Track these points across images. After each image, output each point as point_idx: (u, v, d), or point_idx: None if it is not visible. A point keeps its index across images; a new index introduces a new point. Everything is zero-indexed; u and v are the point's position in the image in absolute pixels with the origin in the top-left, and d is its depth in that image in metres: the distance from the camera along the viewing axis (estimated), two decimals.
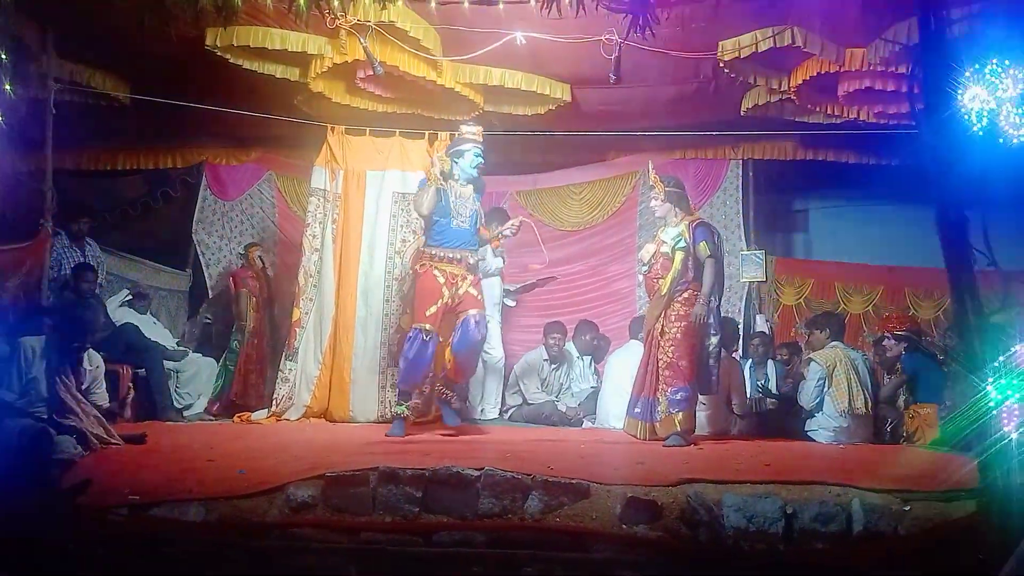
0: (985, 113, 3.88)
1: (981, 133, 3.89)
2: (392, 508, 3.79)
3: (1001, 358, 3.78)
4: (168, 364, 6.82)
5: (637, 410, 5.55)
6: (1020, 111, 3.88)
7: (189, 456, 4.47)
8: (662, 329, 5.52)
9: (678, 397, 5.41)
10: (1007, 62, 3.89)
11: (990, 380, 3.75)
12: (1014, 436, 3.61)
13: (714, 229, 5.89)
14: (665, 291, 5.53)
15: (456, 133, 6.01)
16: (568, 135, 7.13)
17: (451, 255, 5.61)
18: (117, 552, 3.50)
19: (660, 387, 5.46)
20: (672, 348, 5.47)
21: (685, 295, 5.54)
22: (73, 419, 4.43)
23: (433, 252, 5.63)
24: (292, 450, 4.60)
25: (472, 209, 5.71)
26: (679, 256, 5.54)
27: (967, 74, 3.92)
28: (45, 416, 4.40)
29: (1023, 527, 3.31)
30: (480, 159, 5.74)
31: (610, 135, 7.25)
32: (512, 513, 3.80)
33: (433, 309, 5.52)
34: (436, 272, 5.58)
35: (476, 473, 3.87)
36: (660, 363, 5.49)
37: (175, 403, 6.81)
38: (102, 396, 5.34)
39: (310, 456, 4.35)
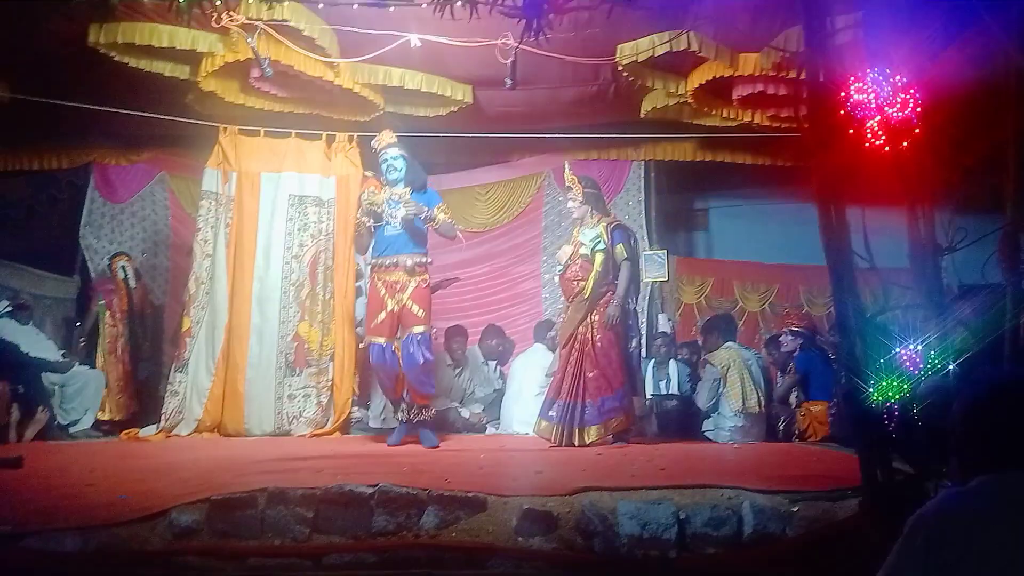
0: (867, 119, 3.98)
1: (863, 139, 4.00)
2: (281, 531, 3.64)
3: (882, 360, 3.91)
4: (51, 378, 6.47)
5: (552, 413, 5.53)
6: (898, 118, 4.00)
7: (68, 480, 4.22)
8: (589, 334, 5.52)
9: (613, 405, 5.47)
10: (888, 70, 4.01)
11: (871, 380, 3.87)
12: (894, 436, 3.73)
13: (631, 231, 5.96)
14: (588, 294, 5.53)
15: (353, 134, 5.91)
16: (471, 137, 7.08)
17: (387, 262, 5.55)
18: None
19: (588, 394, 5.46)
20: (600, 354, 5.49)
21: (606, 298, 5.57)
22: None
23: (374, 263, 5.65)
24: (178, 471, 4.40)
25: (406, 212, 5.55)
26: (599, 258, 5.56)
27: (850, 81, 4.02)
28: None
29: (900, 527, 3.41)
30: (389, 163, 5.63)
31: (513, 137, 7.22)
32: (407, 530, 3.70)
33: (380, 319, 5.50)
34: (379, 283, 5.57)
35: (369, 490, 3.76)
36: (586, 369, 5.48)
37: (60, 419, 6.47)
38: None
39: (197, 477, 4.16)
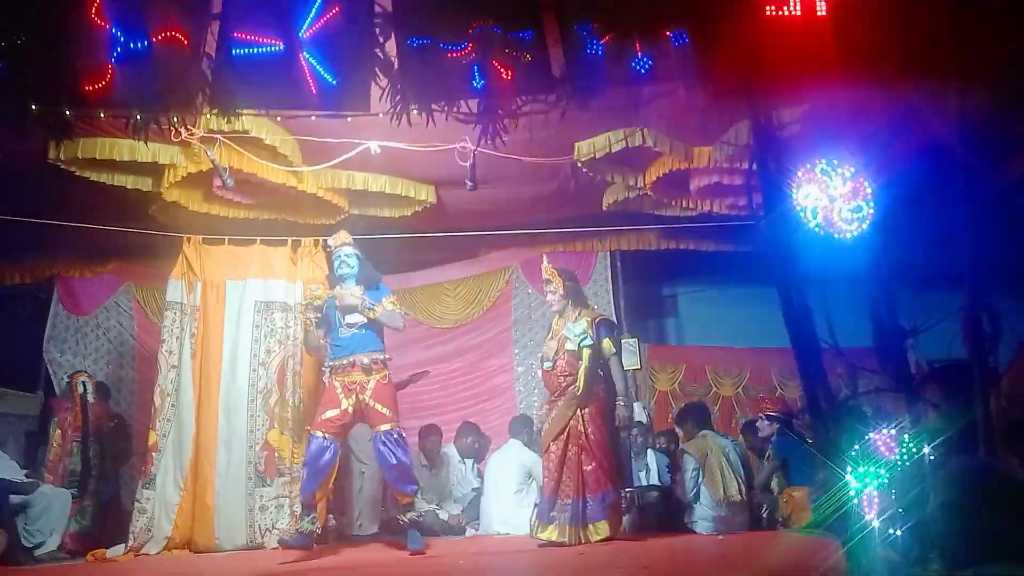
0: (820, 209, 4.08)
1: (817, 229, 4.08)
2: None
3: (856, 446, 3.89)
4: (15, 499, 6.23)
5: (555, 514, 5.38)
6: (850, 208, 4.10)
7: None
8: (581, 428, 5.46)
9: (614, 499, 5.44)
10: (835, 161, 4.14)
11: (848, 468, 3.85)
12: (876, 524, 3.69)
13: (615, 325, 5.98)
14: (581, 390, 5.49)
15: (319, 238, 5.95)
16: (437, 236, 7.14)
17: (344, 363, 5.51)
18: None
19: (588, 489, 5.39)
20: (596, 447, 5.44)
21: (596, 392, 5.55)
22: None
23: (331, 364, 5.60)
24: None
25: (359, 310, 5.55)
26: (586, 352, 5.54)
27: (800, 173, 4.13)
28: None
29: None
30: (342, 259, 5.67)
31: (478, 234, 7.30)
32: None
33: (330, 414, 5.42)
34: (336, 383, 5.52)
35: None
36: (583, 463, 5.42)
37: (25, 542, 6.20)
38: None
39: None
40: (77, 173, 6.00)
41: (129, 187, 6.28)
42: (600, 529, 5.38)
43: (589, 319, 5.70)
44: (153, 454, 6.10)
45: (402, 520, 5.48)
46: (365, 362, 5.50)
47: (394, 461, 5.40)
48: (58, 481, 6.57)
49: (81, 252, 7.79)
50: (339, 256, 5.70)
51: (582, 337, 5.59)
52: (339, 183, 6.40)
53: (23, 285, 7.86)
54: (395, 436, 5.48)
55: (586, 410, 5.52)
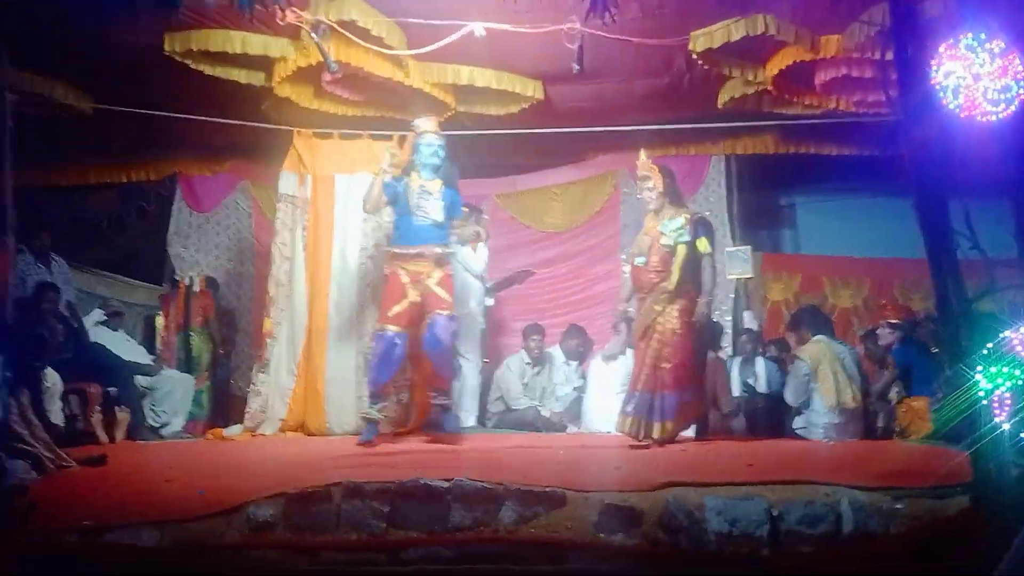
0: (962, 89, 3.71)
1: (958, 111, 3.73)
2: (357, 525, 3.58)
3: (989, 345, 3.63)
4: (142, 381, 6.63)
5: (630, 408, 5.36)
6: (998, 87, 3.72)
7: (148, 477, 4.28)
8: (669, 326, 5.36)
9: (691, 398, 5.38)
10: (983, 35, 3.74)
11: (979, 369, 3.60)
12: (1006, 426, 3.46)
13: (712, 226, 5.79)
14: (674, 286, 5.37)
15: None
16: (544, 134, 6.97)
17: (413, 251, 5.47)
18: None
19: (666, 386, 5.31)
20: (680, 347, 5.35)
21: (687, 290, 5.42)
22: (26, 442, 4.23)
23: (395, 251, 5.54)
24: (257, 467, 4.42)
25: (438, 203, 5.53)
26: (681, 249, 5.40)
27: (941, 50, 3.76)
28: None
29: (1018, 521, 3.14)
30: (435, 149, 5.59)
31: (586, 132, 7.09)
32: (484, 525, 3.60)
33: (397, 309, 5.41)
34: (400, 271, 5.47)
35: (446, 484, 3.68)
36: (663, 360, 5.33)
37: (151, 421, 6.62)
38: (56, 415, 5.15)
39: (275, 472, 4.17)
40: (192, 66, 6.10)
41: (242, 81, 6.35)
42: (667, 427, 5.28)
43: (687, 216, 5.53)
44: (268, 340, 6.34)
45: (436, 402, 5.54)
46: (437, 253, 5.48)
47: (444, 345, 5.42)
48: (171, 367, 6.94)
49: (200, 150, 8.02)
50: (429, 144, 5.58)
51: (679, 233, 5.42)
52: (445, 77, 6.29)
53: (148, 182, 8.19)
54: (450, 322, 5.48)
55: (674, 307, 5.38)
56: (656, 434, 5.26)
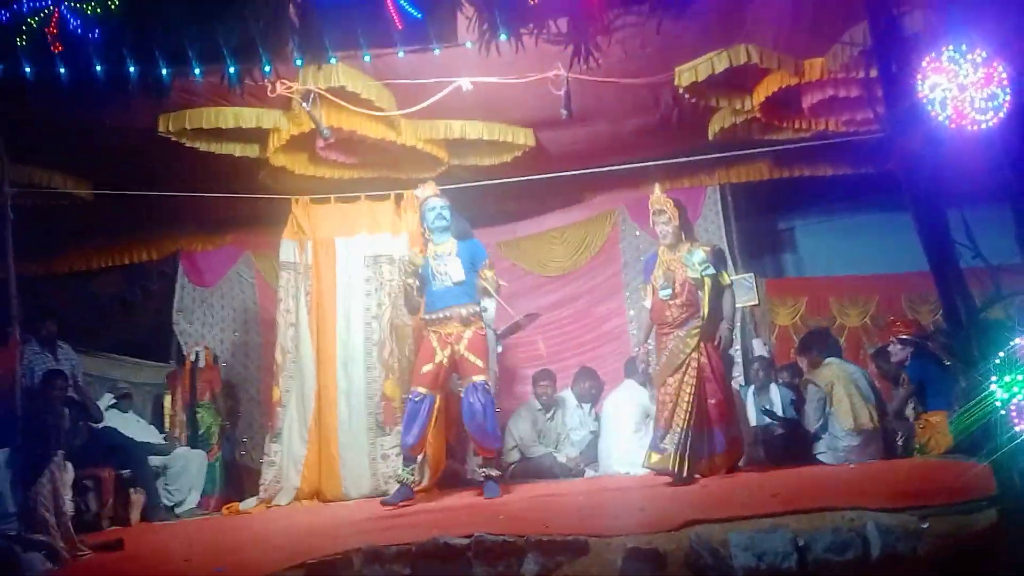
0: (949, 101, 3.73)
1: (946, 123, 3.75)
2: None
3: (1001, 354, 3.59)
4: (155, 461, 6.60)
5: (665, 444, 5.28)
6: (984, 96, 3.74)
7: (166, 558, 4.24)
8: (705, 360, 5.39)
9: (735, 433, 5.45)
10: (964, 46, 3.78)
11: (993, 378, 3.56)
12: None
13: (724, 255, 5.81)
14: (705, 320, 5.43)
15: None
16: (539, 179, 7.01)
17: (440, 316, 5.54)
18: None
19: (713, 421, 5.34)
20: (719, 380, 5.42)
21: (716, 323, 5.49)
22: (43, 534, 4.20)
23: (426, 318, 5.63)
24: (275, 539, 4.37)
25: (456, 262, 5.58)
26: (708, 282, 5.46)
27: (925, 64, 3.80)
28: (13, 532, 4.17)
29: None
30: (439, 211, 5.68)
31: (581, 175, 7.12)
32: None
33: (426, 369, 5.46)
34: (431, 335, 5.56)
35: (466, 541, 3.64)
36: (707, 395, 5.36)
37: (166, 500, 6.56)
38: (68, 504, 5.09)
39: (293, 543, 4.11)
40: (187, 144, 6.18)
41: (238, 155, 6.43)
42: (716, 462, 5.32)
43: (706, 249, 5.59)
44: (278, 409, 6.33)
45: (483, 473, 5.52)
46: (463, 314, 5.52)
47: (481, 414, 5.40)
48: (182, 444, 6.92)
49: (200, 226, 8.09)
50: (433, 208, 5.69)
51: (704, 267, 5.45)
52: (436, 133, 6.37)
53: (151, 262, 8.25)
54: (486, 388, 5.50)
55: (709, 341, 5.42)
56: (704, 470, 5.26)
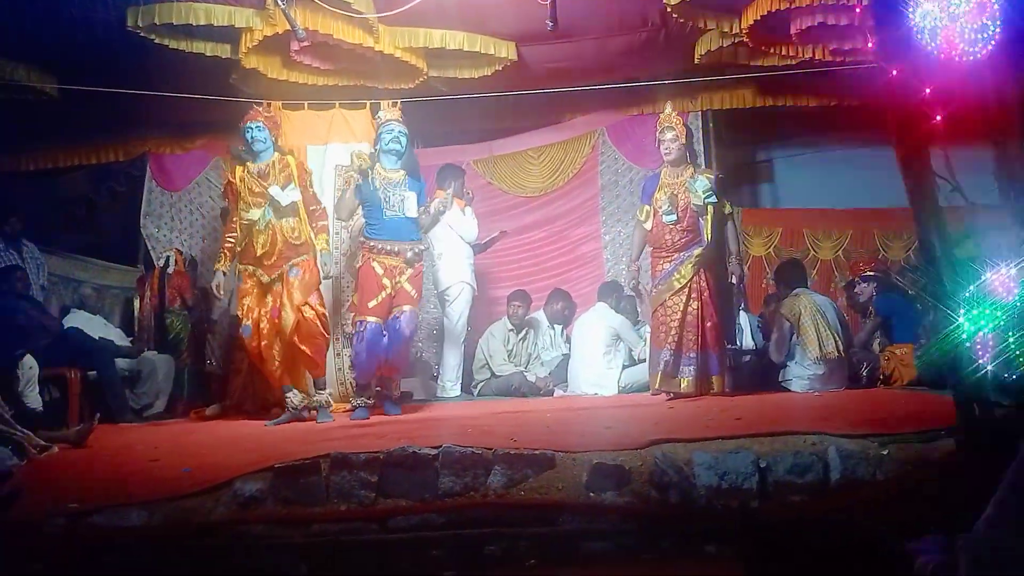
0: (939, 31, 3.67)
1: (936, 53, 3.69)
2: (346, 496, 3.58)
3: (971, 288, 3.63)
4: (122, 364, 6.56)
5: (683, 367, 5.40)
6: (974, 27, 3.67)
7: (132, 458, 4.24)
8: (704, 284, 5.46)
9: (723, 356, 5.53)
10: None
11: (961, 312, 3.60)
12: (989, 368, 3.46)
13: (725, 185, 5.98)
14: (707, 245, 5.47)
15: (398, 103, 5.81)
16: (519, 96, 6.88)
17: (388, 247, 5.44)
18: (55, 565, 3.29)
19: (711, 344, 5.44)
20: (716, 305, 5.49)
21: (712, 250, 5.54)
22: (6, 427, 4.17)
23: (371, 244, 5.49)
24: (242, 443, 4.38)
25: (408, 196, 5.48)
26: (711, 209, 5.46)
27: None
28: None
29: (1003, 461, 3.16)
30: (395, 135, 5.53)
31: (562, 93, 7.02)
32: (474, 490, 3.60)
33: (375, 302, 5.38)
34: (375, 264, 5.44)
35: (433, 451, 3.67)
36: (705, 318, 5.43)
37: (133, 404, 6.55)
38: (35, 399, 5.08)
39: (260, 448, 4.13)
40: (156, 41, 5.97)
41: (208, 54, 6.23)
42: (715, 383, 5.42)
43: (709, 176, 5.60)
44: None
45: (381, 391, 5.52)
46: (409, 255, 5.44)
47: (407, 335, 5.42)
48: (150, 349, 6.88)
49: (170, 128, 7.87)
50: (391, 130, 5.53)
51: (708, 194, 5.44)
52: (416, 41, 6.18)
53: (118, 163, 8.05)
54: (415, 317, 5.51)
55: (710, 267, 5.47)
56: (716, 389, 5.41)
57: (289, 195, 5.37)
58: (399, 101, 5.86)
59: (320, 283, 5.57)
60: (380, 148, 5.55)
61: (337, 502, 3.56)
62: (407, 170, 5.61)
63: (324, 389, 5.52)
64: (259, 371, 5.63)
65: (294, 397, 5.35)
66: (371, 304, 5.39)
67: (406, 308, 5.40)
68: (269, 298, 5.36)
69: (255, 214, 5.41)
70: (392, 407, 5.44)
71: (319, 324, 5.38)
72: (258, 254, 5.38)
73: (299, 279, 5.34)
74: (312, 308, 5.37)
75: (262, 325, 5.31)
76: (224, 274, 5.56)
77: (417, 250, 5.51)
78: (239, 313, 5.46)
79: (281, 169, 5.52)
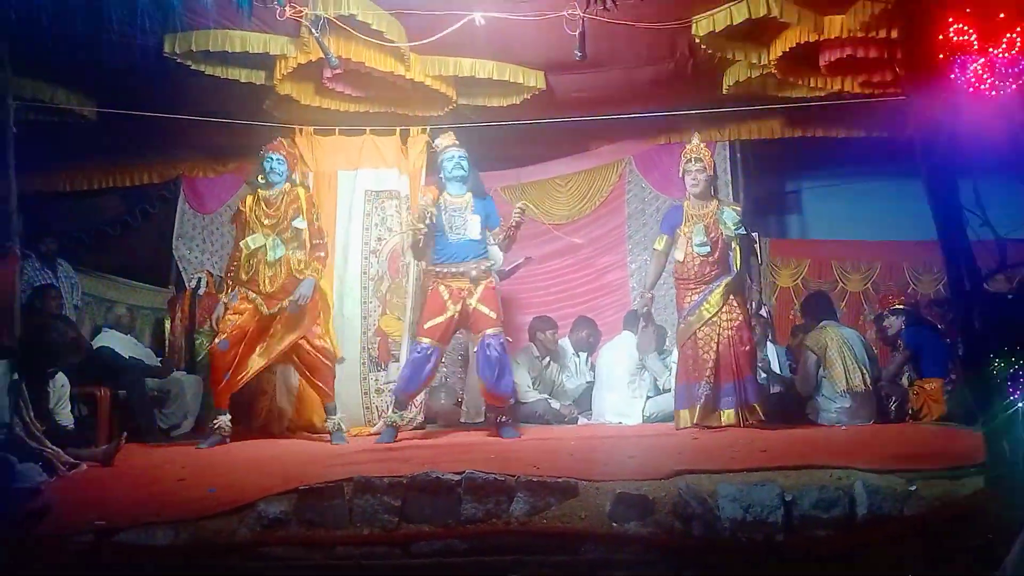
0: (970, 64, 3.67)
1: (966, 87, 3.69)
2: (369, 520, 3.59)
3: (1001, 324, 3.60)
4: (151, 384, 6.63)
5: (726, 399, 5.38)
6: (1004, 61, 3.68)
7: (159, 477, 4.28)
8: (734, 315, 5.46)
9: (757, 386, 5.53)
10: (989, 8, 3.69)
11: (992, 349, 3.57)
12: (1021, 404, 3.42)
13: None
14: (735, 277, 5.49)
15: (427, 129, 5.89)
16: (548, 124, 6.92)
17: (452, 270, 5.52)
18: None
19: (744, 372, 5.41)
20: (745, 335, 5.48)
21: (744, 281, 5.58)
22: (37, 444, 4.24)
23: (436, 270, 5.59)
24: (267, 465, 4.41)
25: (473, 219, 5.57)
26: (739, 241, 5.53)
27: (949, 23, 3.72)
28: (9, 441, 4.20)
29: None
30: (457, 161, 5.63)
31: (590, 121, 7.05)
32: (496, 517, 3.60)
33: (434, 323, 5.45)
34: (441, 288, 5.52)
35: (456, 477, 3.68)
36: (736, 346, 5.41)
37: (161, 424, 6.61)
38: (66, 417, 5.13)
39: (285, 470, 4.15)
40: (193, 67, 6.09)
41: (243, 80, 6.33)
42: (754, 412, 5.38)
43: (737, 208, 5.66)
44: None
45: (499, 419, 5.56)
46: (475, 272, 5.50)
47: (495, 366, 5.44)
48: (180, 369, 6.95)
49: (203, 151, 8.00)
50: (451, 157, 5.63)
51: (738, 226, 5.51)
52: (446, 70, 6.26)
53: (152, 185, 8.19)
54: (500, 340, 5.52)
55: (738, 297, 5.49)
56: (756, 417, 5.37)
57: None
58: (450, 129, 5.95)
59: (319, 316, 5.69)
60: (444, 176, 5.65)
61: (360, 526, 3.57)
62: (473, 191, 5.69)
63: (335, 414, 5.61)
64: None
65: (222, 421, 5.48)
66: (427, 325, 5.47)
67: (489, 332, 5.46)
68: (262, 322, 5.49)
69: (258, 240, 5.53)
70: (508, 431, 5.45)
71: (320, 356, 5.55)
72: (267, 291, 5.51)
73: (296, 315, 5.48)
74: (310, 342, 5.51)
75: (241, 343, 5.44)
76: (225, 306, 5.64)
77: (483, 267, 5.56)
78: (218, 327, 5.57)
79: (291, 201, 5.63)
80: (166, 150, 7.86)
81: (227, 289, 5.63)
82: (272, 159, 5.67)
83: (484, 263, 5.57)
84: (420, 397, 6.18)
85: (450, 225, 5.54)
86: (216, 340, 5.52)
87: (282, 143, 5.79)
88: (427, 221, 5.53)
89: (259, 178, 5.76)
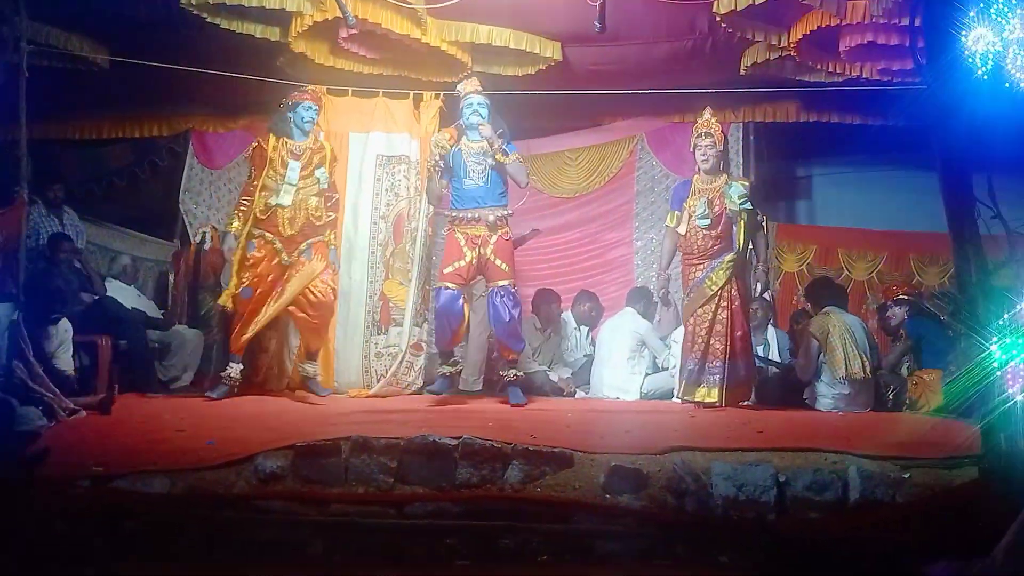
0: (990, 56, 3.63)
1: (986, 77, 3.65)
2: (365, 479, 3.63)
3: (1005, 316, 3.60)
4: (153, 335, 6.65)
5: (705, 376, 5.42)
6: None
7: (158, 427, 4.32)
8: (734, 294, 5.47)
9: (752, 368, 5.58)
10: (1014, 0, 3.65)
11: (994, 341, 3.57)
12: (1019, 398, 3.43)
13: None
14: (739, 253, 5.49)
15: (440, 94, 5.85)
16: (560, 96, 6.87)
17: (469, 215, 5.51)
18: (76, 525, 3.36)
19: (739, 354, 5.45)
20: (743, 315, 5.50)
21: (748, 258, 5.59)
22: (39, 388, 4.26)
23: (452, 215, 5.58)
24: (266, 420, 4.45)
25: (488, 165, 5.53)
26: (744, 217, 5.50)
27: (971, 14, 3.68)
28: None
29: None
30: (475, 108, 5.58)
31: (603, 96, 6.99)
32: (491, 483, 3.64)
33: (453, 267, 5.46)
34: (458, 235, 5.52)
35: (453, 442, 3.71)
36: (735, 328, 5.43)
37: (161, 376, 6.64)
38: (66, 362, 5.14)
39: (283, 426, 4.19)
40: (208, 20, 6.05)
41: (258, 36, 6.28)
42: (739, 394, 5.42)
43: (745, 183, 5.63)
44: None
45: (505, 376, 5.55)
46: (491, 219, 5.48)
47: (507, 317, 5.42)
48: (182, 323, 6.97)
49: (214, 107, 7.96)
50: (470, 104, 5.60)
51: (743, 201, 5.46)
52: (463, 35, 6.21)
53: (161, 138, 8.15)
54: (511, 292, 5.49)
55: (740, 275, 5.49)
56: (752, 398, 5.45)
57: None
58: (471, 85, 5.85)
59: (332, 267, 5.76)
60: (463, 123, 5.62)
61: (356, 484, 3.61)
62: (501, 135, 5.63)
63: (315, 362, 5.77)
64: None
65: (234, 370, 5.61)
66: (447, 270, 5.48)
67: (500, 283, 5.47)
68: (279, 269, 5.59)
69: (285, 200, 5.63)
70: (516, 394, 5.44)
71: (330, 295, 5.68)
72: (286, 234, 5.61)
73: (311, 260, 5.60)
74: (323, 283, 5.64)
75: (259, 290, 5.56)
76: (236, 239, 5.73)
77: (499, 214, 5.53)
78: (238, 278, 5.64)
79: (317, 151, 5.74)
80: (177, 103, 7.81)
81: (237, 222, 5.73)
82: (308, 107, 5.77)
83: (500, 210, 5.55)
84: (420, 362, 6.21)
85: (468, 170, 5.52)
86: (238, 288, 5.63)
87: (314, 92, 5.85)
88: (438, 158, 5.54)
89: (286, 123, 5.84)
